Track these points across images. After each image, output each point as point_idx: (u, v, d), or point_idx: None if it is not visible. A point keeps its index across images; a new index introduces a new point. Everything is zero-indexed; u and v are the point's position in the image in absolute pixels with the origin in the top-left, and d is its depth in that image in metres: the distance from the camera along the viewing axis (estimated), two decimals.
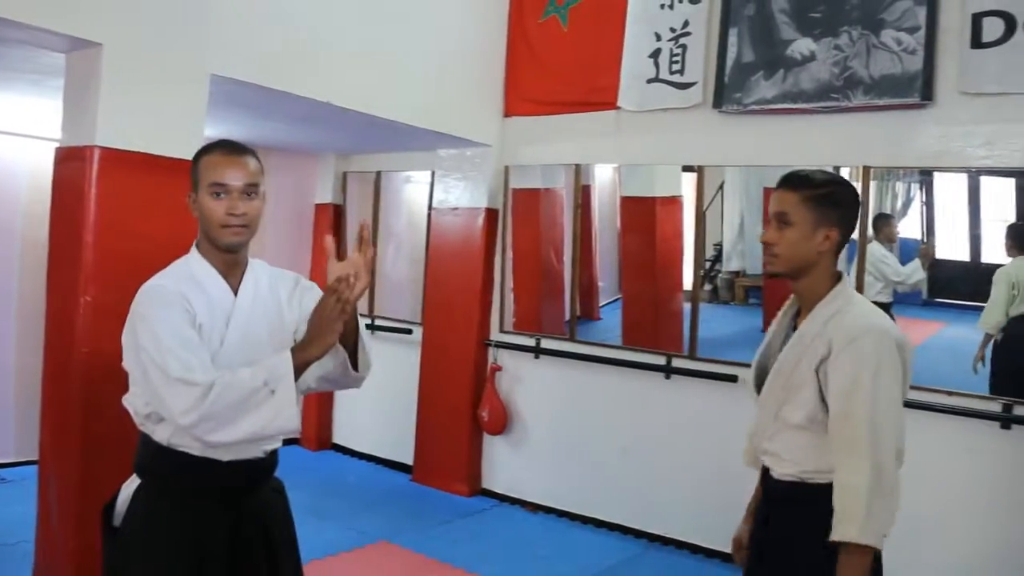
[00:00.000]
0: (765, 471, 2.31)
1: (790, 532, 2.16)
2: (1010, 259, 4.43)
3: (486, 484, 5.89)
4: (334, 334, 2.00)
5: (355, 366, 2.22)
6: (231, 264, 2.18)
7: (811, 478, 2.14)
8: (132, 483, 2.17)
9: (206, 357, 2.01)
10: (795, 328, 2.25)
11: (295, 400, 1.99)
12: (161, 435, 2.08)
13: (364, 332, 2.25)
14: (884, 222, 5.01)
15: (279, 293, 2.27)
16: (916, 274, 5.01)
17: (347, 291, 1.98)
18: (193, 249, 2.20)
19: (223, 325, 2.11)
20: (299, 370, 2.00)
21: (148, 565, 2.06)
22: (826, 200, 2.16)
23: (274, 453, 2.26)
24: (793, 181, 2.20)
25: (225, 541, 2.10)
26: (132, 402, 2.14)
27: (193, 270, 2.15)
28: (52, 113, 4.65)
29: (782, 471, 2.20)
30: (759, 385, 2.28)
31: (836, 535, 1.98)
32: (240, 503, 2.15)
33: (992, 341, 4.37)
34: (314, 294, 2.25)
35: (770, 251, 2.20)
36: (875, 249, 4.76)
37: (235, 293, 2.18)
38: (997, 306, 4.37)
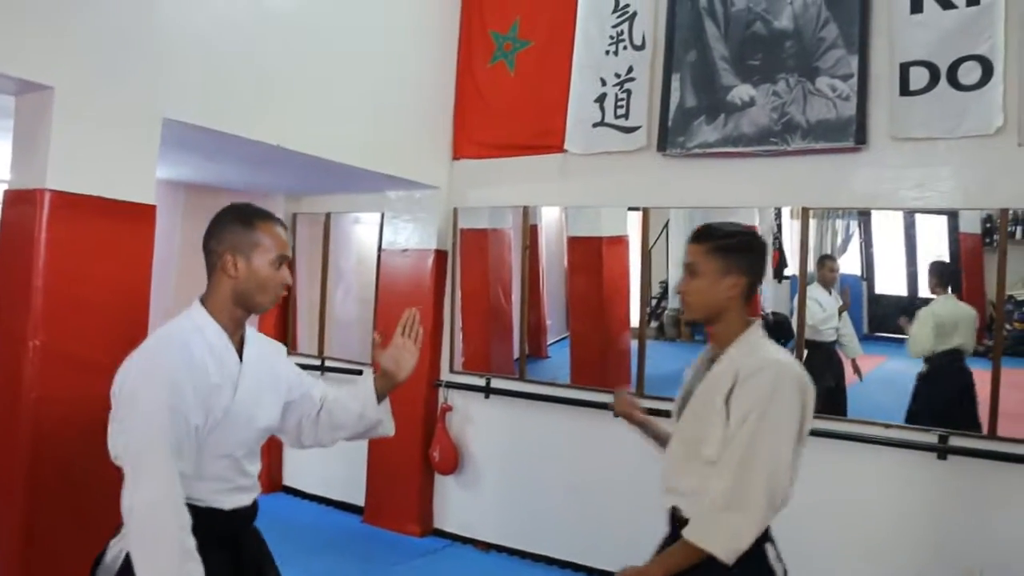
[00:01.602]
0: (673, 512, 2.37)
1: (701, 568, 2.21)
2: (935, 296, 4.63)
3: (438, 524, 5.88)
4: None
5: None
6: (240, 324, 2.27)
7: None
8: (124, 539, 2.11)
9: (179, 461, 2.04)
10: (709, 369, 2.37)
11: None
12: None
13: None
14: (821, 263, 5.13)
15: (273, 358, 2.40)
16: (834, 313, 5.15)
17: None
18: (198, 305, 2.23)
19: (231, 388, 2.17)
20: None
21: None
22: (731, 249, 2.32)
23: (256, 500, 2.36)
24: (701, 234, 2.38)
25: None
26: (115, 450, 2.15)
27: (202, 328, 2.18)
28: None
29: (691, 510, 2.27)
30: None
31: (695, 537, 2.16)
32: (237, 549, 2.25)
33: (918, 373, 4.56)
34: (283, 351, 2.48)
35: (684, 300, 2.38)
36: (812, 291, 4.90)
37: (239, 355, 2.24)
38: (920, 341, 4.56)
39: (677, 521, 2.32)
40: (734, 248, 2.33)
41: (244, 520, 2.30)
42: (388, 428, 2.58)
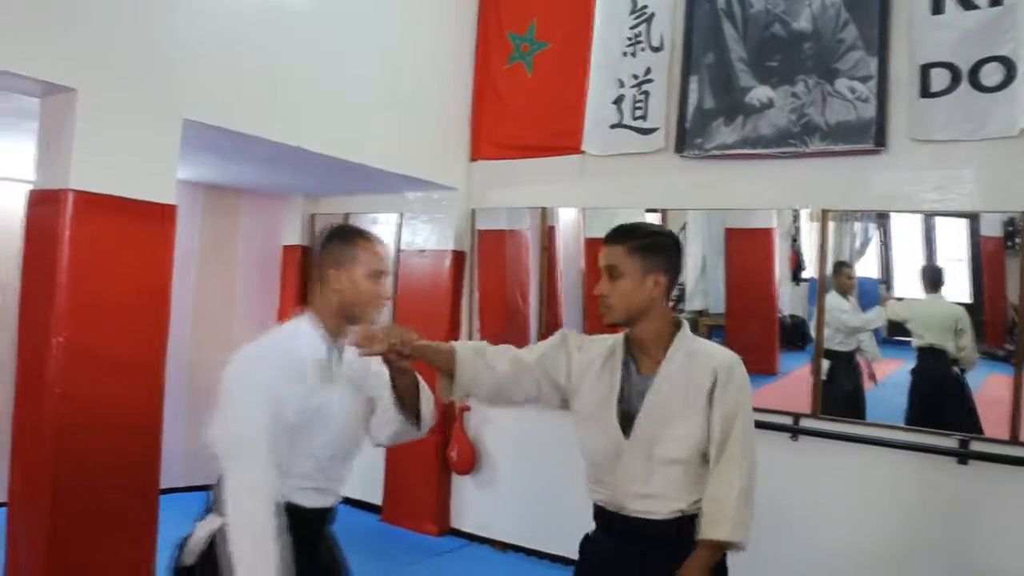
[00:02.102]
0: (627, 521, 2.33)
1: (674, 564, 2.22)
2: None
3: (455, 524, 5.90)
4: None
5: (417, 423, 2.53)
6: (342, 333, 2.43)
7: (694, 509, 2.26)
8: (210, 524, 2.26)
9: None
10: (638, 370, 2.36)
11: None
12: None
13: (425, 391, 2.54)
14: (838, 271, 5.11)
15: (368, 366, 2.50)
16: (878, 319, 5.13)
17: None
18: (308, 318, 2.42)
19: (324, 391, 2.34)
20: None
21: None
22: (650, 249, 2.32)
23: (335, 507, 2.53)
24: (618, 234, 2.37)
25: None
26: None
27: (301, 333, 2.39)
28: (20, 154, 4.68)
29: (667, 510, 2.27)
30: (623, 428, 2.32)
31: (704, 534, 2.18)
32: (315, 547, 2.40)
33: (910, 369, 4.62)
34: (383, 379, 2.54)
35: (605, 303, 2.34)
36: (831, 300, 4.88)
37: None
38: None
39: (648, 524, 2.29)
40: (654, 247, 2.33)
41: (322, 522, 2.46)
42: (414, 432, 2.61)
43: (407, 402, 2.48)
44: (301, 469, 2.31)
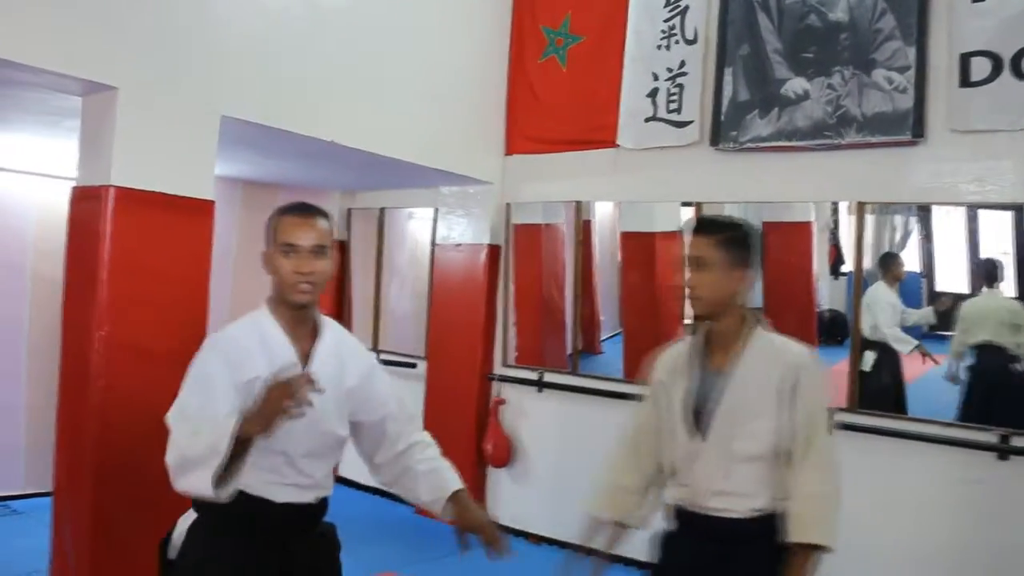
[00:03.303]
0: (706, 520, 2.33)
1: (761, 563, 2.22)
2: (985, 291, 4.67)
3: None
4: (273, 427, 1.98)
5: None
6: (299, 322, 2.27)
7: (775, 507, 2.24)
8: (189, 517, 2.25)
9: (211, 417, 2.06)
10: (711, 367, 2.35)
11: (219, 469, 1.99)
12: None
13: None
14: (892, 261, 5.04)
15: (352, 369, 2.36)
16: (928, 318, 5.09)
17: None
18: (263, 305, 2.30)
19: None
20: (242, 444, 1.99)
21: None
22: (738, 242, 2.30)
23: (324, 500, 2.38)
24: (707, 226, 2.36)
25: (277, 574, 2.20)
26: None
27: (261, 324, 2.25)
28: (64, 152, 4.78)
29: (746, 507, 2.26)
30: (699, 426, 2.32)
31: (798, 537, 2.14)
32: (290, 544, 2.25)
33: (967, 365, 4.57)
34: (380, 378, 2.48)
35: (691, 294, 2.32)
36: (882, 292, 4.83)
37: (302, 355, 2.25)
38: (954, 340, 4.64)
39: (724, 522, 2.28)
40: (742, 241, 2.31)
41: (299, 517, 2.28)
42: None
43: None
44: (268, 464, 2.16)
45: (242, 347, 2.18)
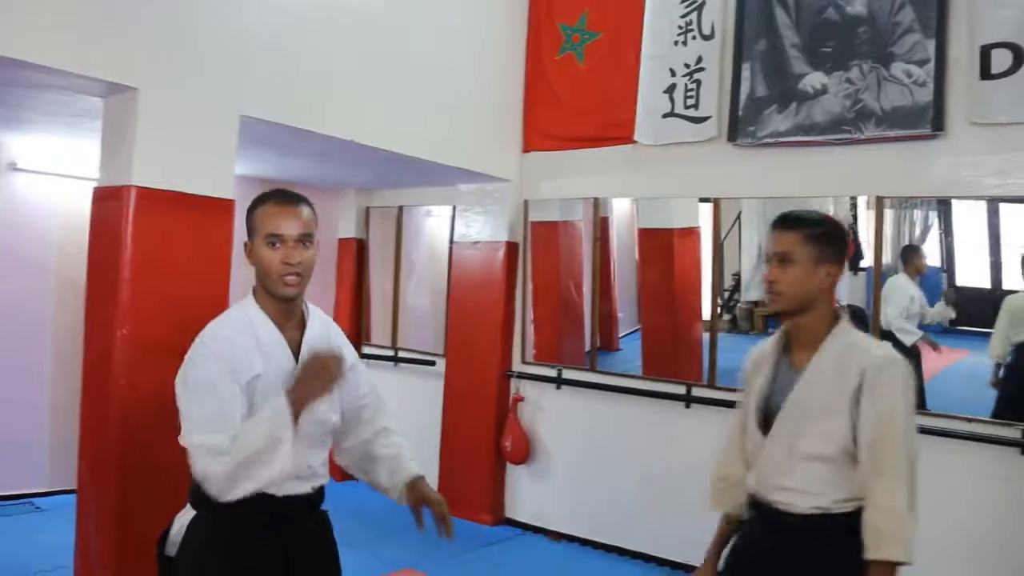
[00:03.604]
0: (769, 510, 2.33)
1: (816, 568, 2.20)
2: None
3: (509, 513, 5.94)
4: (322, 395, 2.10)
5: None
6: (286, 313, 2.25)
7: (838, 508, 2.20)
8: (186, 514, 2.24)
9: (235, 420, 2.08)
10: (790, 364, 2.33)
11: (292, 446, 2.05)
12: None
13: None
14: (913, 253, 5.00)
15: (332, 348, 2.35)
16: (945, 314, 5.04)
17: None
18: (250, 296, 2.26)
19: (278, 383, 2.13)
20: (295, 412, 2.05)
21: None
22: (824, 238, 2.27)
23: (320, 489, 2.36)
24: (793, 221, 2.30)
25: (276, 570, 2.20)
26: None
27: (251, 319, 2.21)
28: (85, 153, 4.83)
29: (807, 504, 2.23)
30: (766, 422, 2.33)
31: (879, 554, 2.08)
32: (289, 535, 2.24)
33: (1002, 367, 4.45)
34: (360, 367, 2.47)
35: (773, 289, 2.28)
36: (903, 284, 4.79)
37: (293, 346, 2.24)
38: (997, 335, 4.47)
39: (784, 516, 2.27)
40: (830, 237, 2.28)
41: (299, 508, 2.28)
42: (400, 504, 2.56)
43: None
44: None
45: (236, 346, 2.14)
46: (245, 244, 2.24)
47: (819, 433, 2.20)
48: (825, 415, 2.20)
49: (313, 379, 2.06)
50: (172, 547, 2.22)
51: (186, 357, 2.17)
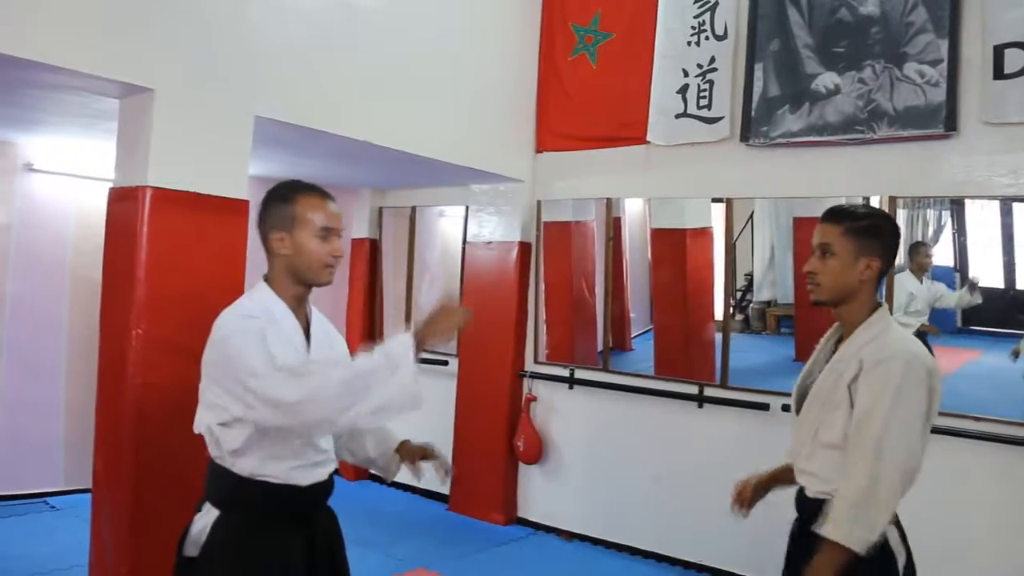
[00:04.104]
0: (800, 491, 2.40)
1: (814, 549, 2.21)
2: None
3: (522, 513, 5.95)
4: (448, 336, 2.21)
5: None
6: (302, 300, 2.32)
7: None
8: (207, 515, 2.23)
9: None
10: (833, 351, 2.38)
11: (417, 378, 2.11)
12: (243, 467, 2.17)
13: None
14: (915, 250, 5.00)
15: (332, 335, 2.46)
16: (966, 299, 5.01)
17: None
18: (263, 284, 2.30)
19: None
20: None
21: None
22: (867, 232, 2.30)
23: (334, 474, 2.40)
24: (836, 214, 2.35)
25: (303, 561, 2.23)
26: (216, 433, 2.19)
27: (268, 306, 2.24)
28: (101, 154, 4.86)
29: (817, 489, 2.29)
30: (800, 406, 2.40)
31: (820, 529, 2.14)
32: (311, 525, 2.28)
33: None
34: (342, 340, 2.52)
35: (813, 280, 2.35)
36: (904, 279, 4.78)
37: (304, 331, 2.30)
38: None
39: (803, 499, 2.35)
40: (869, 230, 2.31)
41: (321, 495, 2.34)
42: (390, 475, 2.62)
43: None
44: (291, 450, 2.20)
45: (264, 324, 2.17)
46: (276, 234, 2.25)
47: (832, 421, 2.25)
48: (836, 406, 2.25)
49: (441, 321, 2.17)
50: (193, 547, 2.21)
51: (217, 337, 2.17)
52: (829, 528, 2.13)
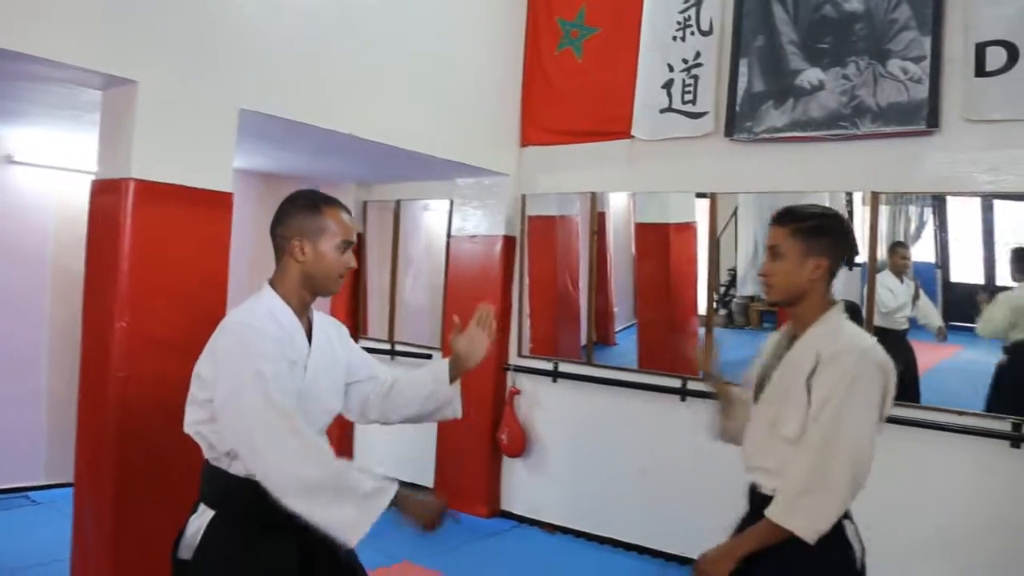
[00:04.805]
0: (752, 489, 2.41)
1: (783, 548, 2.23)
2: (1015, 284, 4.52)
3: (505, 506, 5.97)
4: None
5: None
6: (307, 306, 2.35)
7: None
8: (202, 516, 2.22)
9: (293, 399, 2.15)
10: (788, 349, 2.40)
11: (368, 521, 2.12)
12: (239, 468, 2.16)
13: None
14: (893, 252, 5.01)
15: (335, 341, 2.46)
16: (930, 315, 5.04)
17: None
18: (269, 289, 2.30)
19: (301, 368, 2.24)
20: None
21: None
22: (813, 232, 2.33)
23: None
24: (783, 216, 2.38)
25: (299, 564, 2.22)
26: (208, 436, 2.20)
27: (274, 311, 2.24)
28: (84, 146, 4.83)
29: (773, 485, 2.30)
30: (754, 401, 2.43)
31: (768, 511, 2.21)
32: (308, 526, 2.20)
33: (998, 363, 4.46)
34: (353, 341, 2.57)
35: (766, 281, 2.39)
36: (882, 279, 4.81)
37: (307, 335, 2.31)
38: (993, 320, 4.49)
39: (756, 497, 2.36)
40: (815, 230, 2.34)
41: None
42: (457, 410, 2.64)
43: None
44: None
45: (275, 329, 2.18)
46: (297, 241, 2.27)
47: (788, 418, 2.27)
48: (791, 400, 2.27)
49: (422, 512, 2.25)
50: (187, 551, 2.20)
51: (229, 344, 2.16)
52: (774, 510, 2.20)
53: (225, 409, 2.10)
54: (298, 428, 2.07)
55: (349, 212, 2.37)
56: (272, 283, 2.31)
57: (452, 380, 2.59)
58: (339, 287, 2.35)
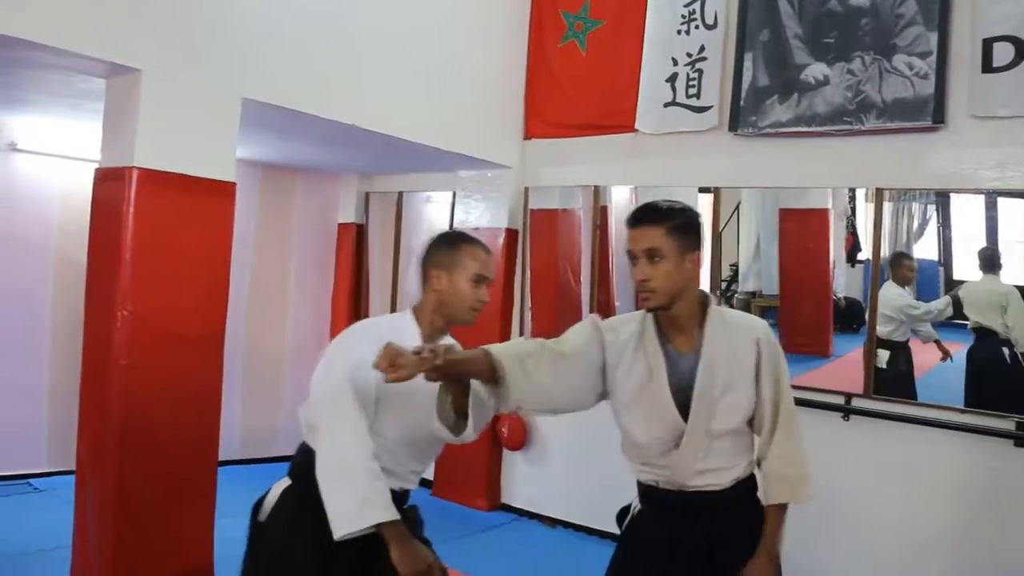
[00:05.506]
0: (704, 495, 2.31)
1: (748, 529, 2.32)
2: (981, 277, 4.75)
3: (505, 499, 5.97)
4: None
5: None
6: (437, 331, 2.52)
7: (748, 471, 2.36)
8: (283, 483, 2.47)
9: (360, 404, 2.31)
10: (677, 350, 2.31)
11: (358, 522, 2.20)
12: (314, 442, 2.34)
13: (477, 397, 2.42)
14: (898, 263, 4.99)
15: None
16: (947, 310, 5.06)
17: None
18: (409, 313, 2.54)
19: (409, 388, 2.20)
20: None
21: (286, 560, 2.34)
22: (684, 228, 2.26)
23: (405, 491, 2.53)
24: (653, 215, 2.26)
25: (354, 545, 2.25)
26: (307, 414, 2.42)
27: (396, 324, 2.49)
28: (87, 134, 4.82)
29: (728, 478, 2.32)
30: (683, 410, 2.27)
31: (788, 497, 2.29)
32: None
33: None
34: None
35: (646, 287, 2.23)
36: (888, 290, 4.80)
37: None
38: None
39: (705, 497, 2.31)
40: (686, 226, 2.26)
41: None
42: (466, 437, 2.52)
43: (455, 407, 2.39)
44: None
45: (375, 339, 2.18)
46: (437, 272, 2.48)
47: (727, 410, 2.27)
48: (729, 392, 2.26)
49: (412, 563, 2.27)
50: (264, 513, 2.43)
51: (340, 335, 2.46)
52: (795, 492, 2.30)
53: (312, 385, 2.37)
54: (354, 415, 2.26)
55: (488, 252, 2.53)
56: (414, 308, 2.54)
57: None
58: (472, 319, 2.50)
